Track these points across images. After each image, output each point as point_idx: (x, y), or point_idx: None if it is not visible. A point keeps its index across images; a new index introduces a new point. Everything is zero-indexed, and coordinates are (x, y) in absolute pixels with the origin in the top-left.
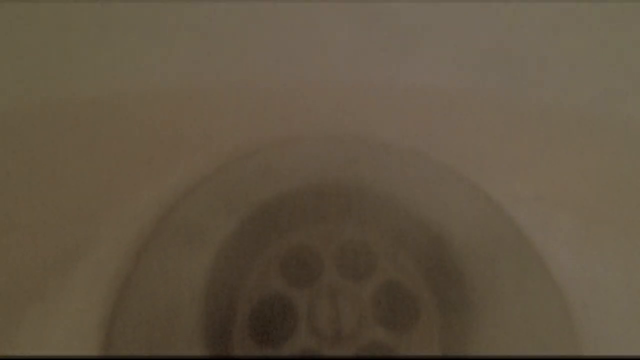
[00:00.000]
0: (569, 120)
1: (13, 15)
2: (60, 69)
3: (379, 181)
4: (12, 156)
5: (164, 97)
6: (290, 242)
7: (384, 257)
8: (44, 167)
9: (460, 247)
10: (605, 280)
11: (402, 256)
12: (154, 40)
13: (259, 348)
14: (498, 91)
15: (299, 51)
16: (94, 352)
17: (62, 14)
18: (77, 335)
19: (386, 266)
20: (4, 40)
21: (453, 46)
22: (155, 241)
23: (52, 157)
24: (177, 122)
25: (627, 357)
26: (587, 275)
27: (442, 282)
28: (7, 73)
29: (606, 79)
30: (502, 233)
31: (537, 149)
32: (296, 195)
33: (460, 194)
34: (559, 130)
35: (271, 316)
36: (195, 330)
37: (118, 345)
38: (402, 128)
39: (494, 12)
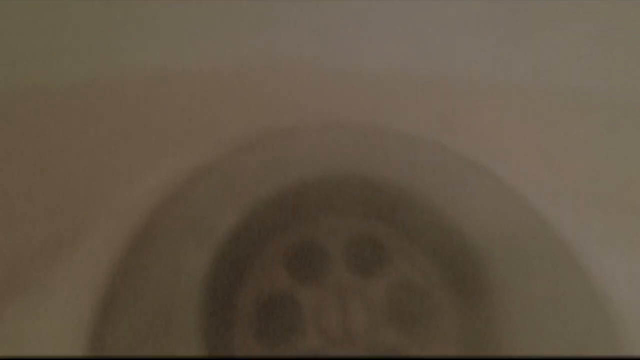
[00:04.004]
0: (594, 108)
1: None
2: (58, 52)
3: (394, 172)
4: (3, 142)
5: (165, 83)
6: (297, 236)
7: (398, 253)
8: (35, 153)
9: (483, 244)
10: None
11: (418, 253)
12: (154, 25)
13: (262, 347)
14: (516, 80)
15: (310, 36)
16: (83, 350)
17: None
18: (65, 331)
19: (400, 263)
20: (2, 23)
21: (468, 35)
22: (152, 234)
23: (45, 142)
24: (179, 108)
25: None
26: (623, 272)
27: (462, 281)
28: (3, 57)
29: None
30: (530, 228)
31: (562, 139)
32: (305, 187)
33: (482, 187)
34: (584, 120)
35: (275, 314)
36: (194, 328)
37: (109, 344)
38: (417, 118)
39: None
